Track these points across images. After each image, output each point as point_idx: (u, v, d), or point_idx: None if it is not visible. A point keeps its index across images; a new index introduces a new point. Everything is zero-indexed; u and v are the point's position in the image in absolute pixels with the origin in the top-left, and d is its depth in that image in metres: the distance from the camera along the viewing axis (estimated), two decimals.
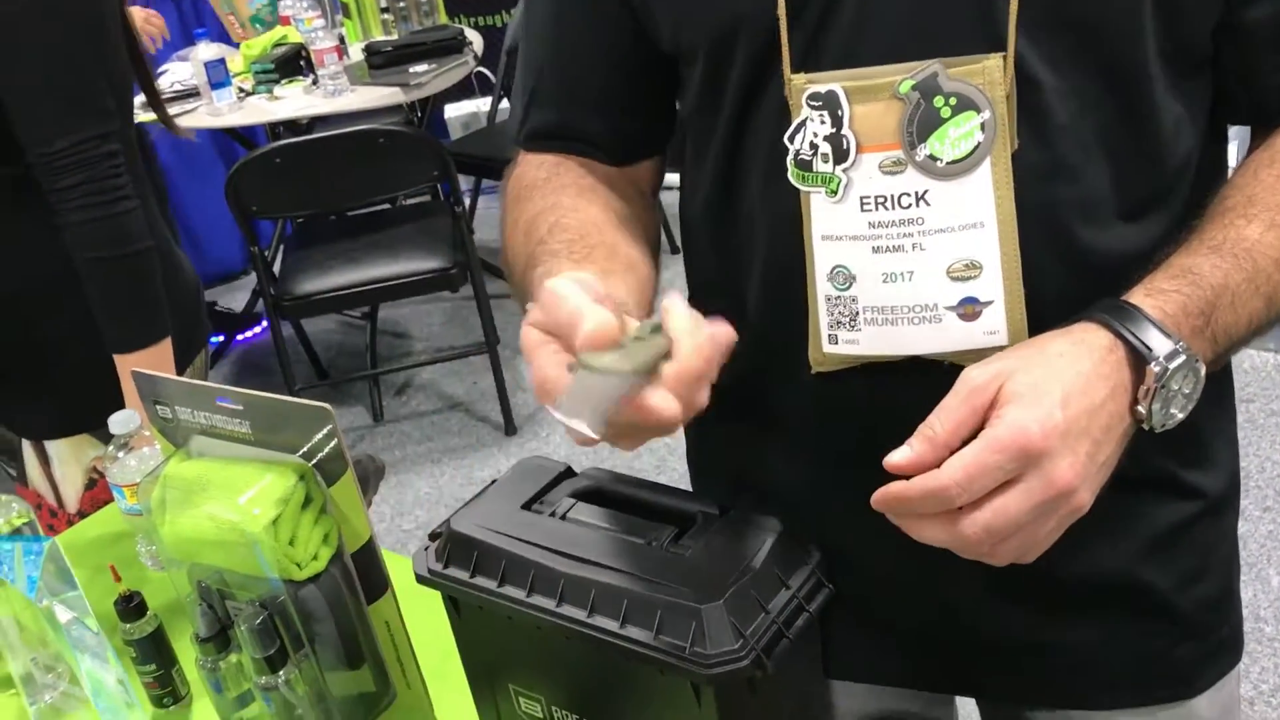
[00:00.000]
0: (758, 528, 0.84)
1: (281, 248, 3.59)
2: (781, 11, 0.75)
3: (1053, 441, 0.62)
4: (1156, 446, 0.84)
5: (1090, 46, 0.72)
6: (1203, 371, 0.69)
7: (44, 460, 1.53)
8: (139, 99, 1.59)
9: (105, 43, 1.38)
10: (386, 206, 3.68)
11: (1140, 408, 0.68)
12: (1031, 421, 0.62)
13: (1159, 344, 0.67)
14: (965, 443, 0.64)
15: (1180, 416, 0.70)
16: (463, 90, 4.36)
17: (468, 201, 3.76)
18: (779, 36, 0.75)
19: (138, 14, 3.17)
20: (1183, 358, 0.67)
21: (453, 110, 4.66)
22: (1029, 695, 0.94)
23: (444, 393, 3.44)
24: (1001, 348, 0.73)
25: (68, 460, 1.51)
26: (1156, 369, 0.66)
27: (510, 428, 3.17)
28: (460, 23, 4.07)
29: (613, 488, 0.93)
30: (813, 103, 0.74)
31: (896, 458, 0.65)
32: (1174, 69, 0.75)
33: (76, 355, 1.47)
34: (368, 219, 3.45)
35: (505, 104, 4.27)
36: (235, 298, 4.03)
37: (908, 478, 0.65)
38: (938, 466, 0.63)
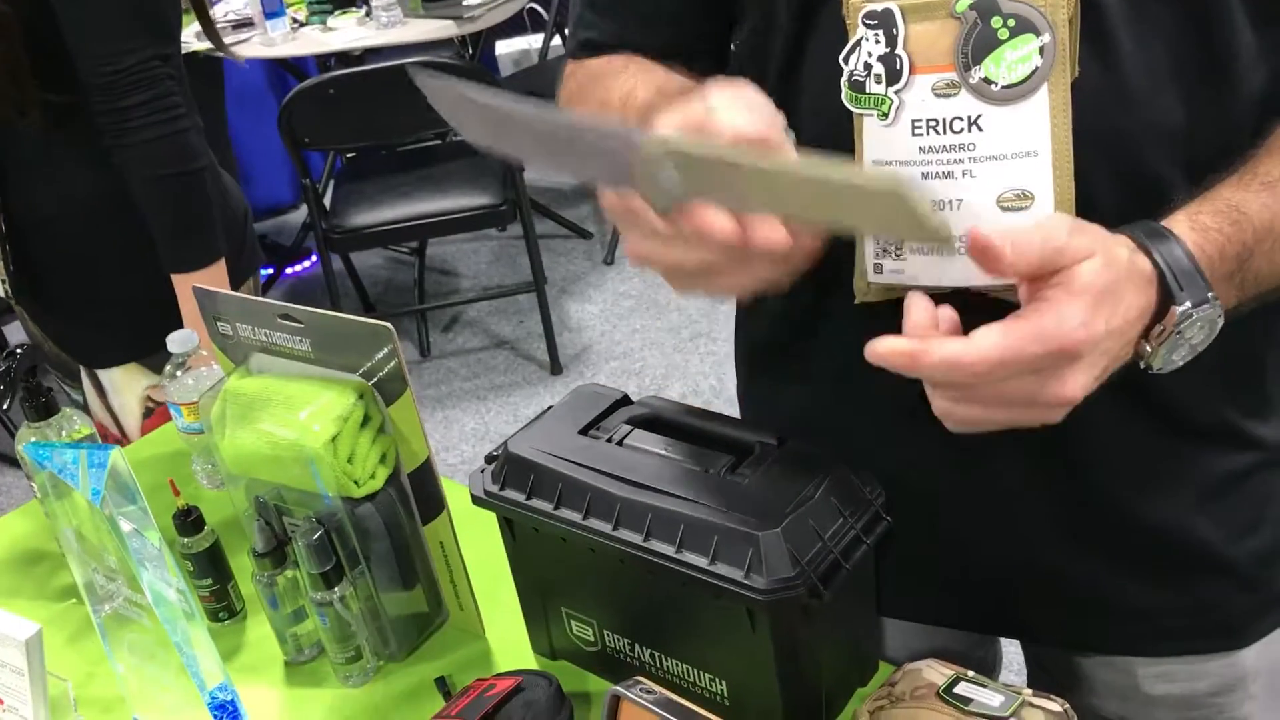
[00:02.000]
0: (816, 459, 0.83)
1: (332, 182, 3.60)
2: None
3: (1085, 350, 0.60)
4: (1218, 394, 0.82)
5: None
6: (1220, 324, 0.67)
7: (100, 391, 1.55)
8: (194, 28, 1.60)
9: None
10: (437, 142, 3.67)
11: (1147, 345, 0.66)
12: (1082, 326, 0.60)
13: (1191, 288, 0.65)
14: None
15: (1178, 364, 0.68)
16: (515, 26, 4.31)
17: None
18: None
19: None
20: (1207, 308, 0.65)
21: (504, 47, 4.62)
22: (1077, 640, 0.93)
23: (491, 330, 3.45)
24: None
25: (122, 389, 1.54)
26: (1180, 313, 0.65)
27: (556, 367, 3.18)
28: None
29: (670, 415, 0.92)
30: (868, 21, 0.72)
31: (964, 247, 0.62)
32: (1252, 4, 0.71)
33: (121, 281, 1.49)
34: (418, 154, 3.44)
35: (557, 41, 4.23)
36: (285, 230, 4.05)
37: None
38: (995, 263, 0.61)
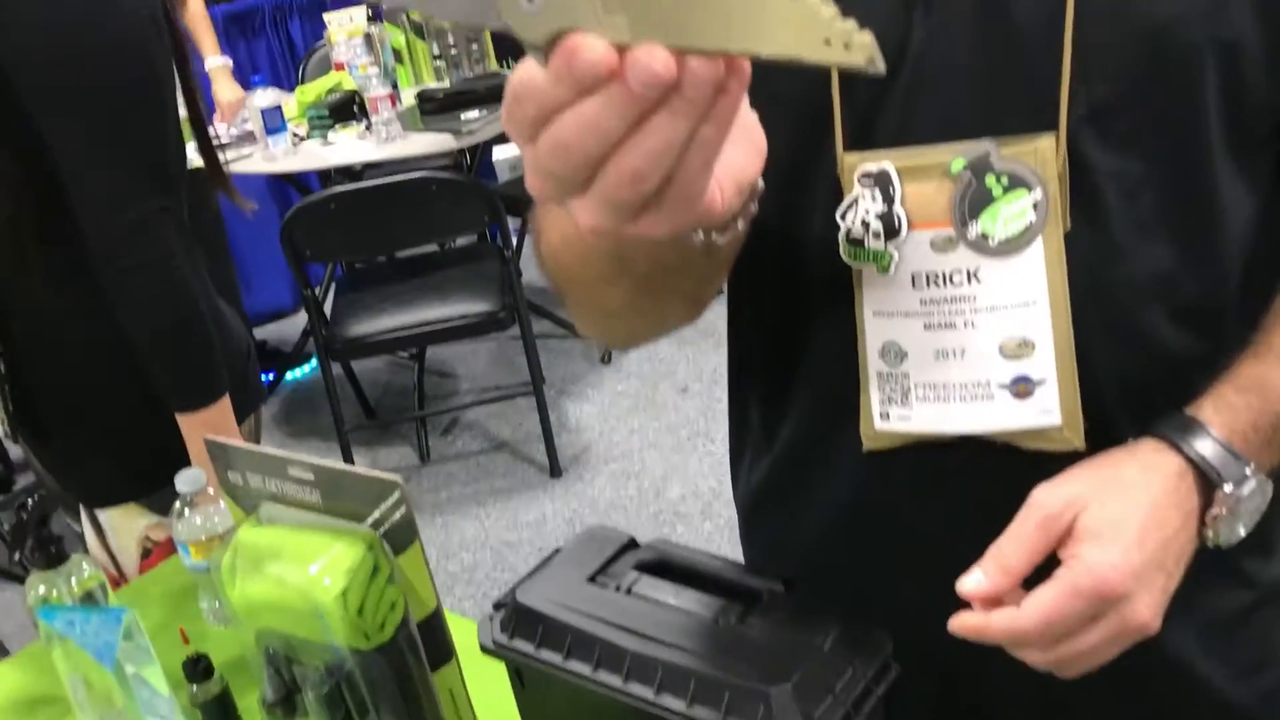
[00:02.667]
0: (823, 607, 0.84)
1: (333, 286, 3.64)
2: (835, 92, 0.75)
3: (1130, 583, 0.63)
4: None
5: (1147, 127, 0.71)
6: (1270, 488, 0.69)
7: (98, 530, 1.55)
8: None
9: (168, 116, 1.41)
10: (435, 249, 3.72)
11: (1208, 531, 0.68)
12: (1110, 567, 0.63)
13: (1229, 468, 0.67)
14: (1036, 569, 0.65)
15: (1244, 533, 0.70)
16: None
17: (514, 242, 3.80)
18: (832, 117, 0.76)
19: (229, 96, 3.26)
20: (1253, 482, 0.67)
21: (501, 152, 4.69)
22: None
23: (489, 433, 3.46)
24: (1056, 428, 0.73)
25: (120, 530, 1.54)
26: (1227, 495, 0.67)
27: (555, 470, 3.18)
28: (510, 69, 4.11)
29: (678, 560, 0.93)
30: (864, 181, 0.75)
31: (969, 585, 0.66)
32: (1235, 146, 0.73)
33: (122, 421, 1.50)
34: (417, 261, 3.49)
35: None
36: (285, 334, 4.08)
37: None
38: (1010, 592, 0.64)
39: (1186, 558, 0.68)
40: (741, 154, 0.53)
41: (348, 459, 3.11)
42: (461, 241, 3.85)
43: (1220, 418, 0.69)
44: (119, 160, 1.33)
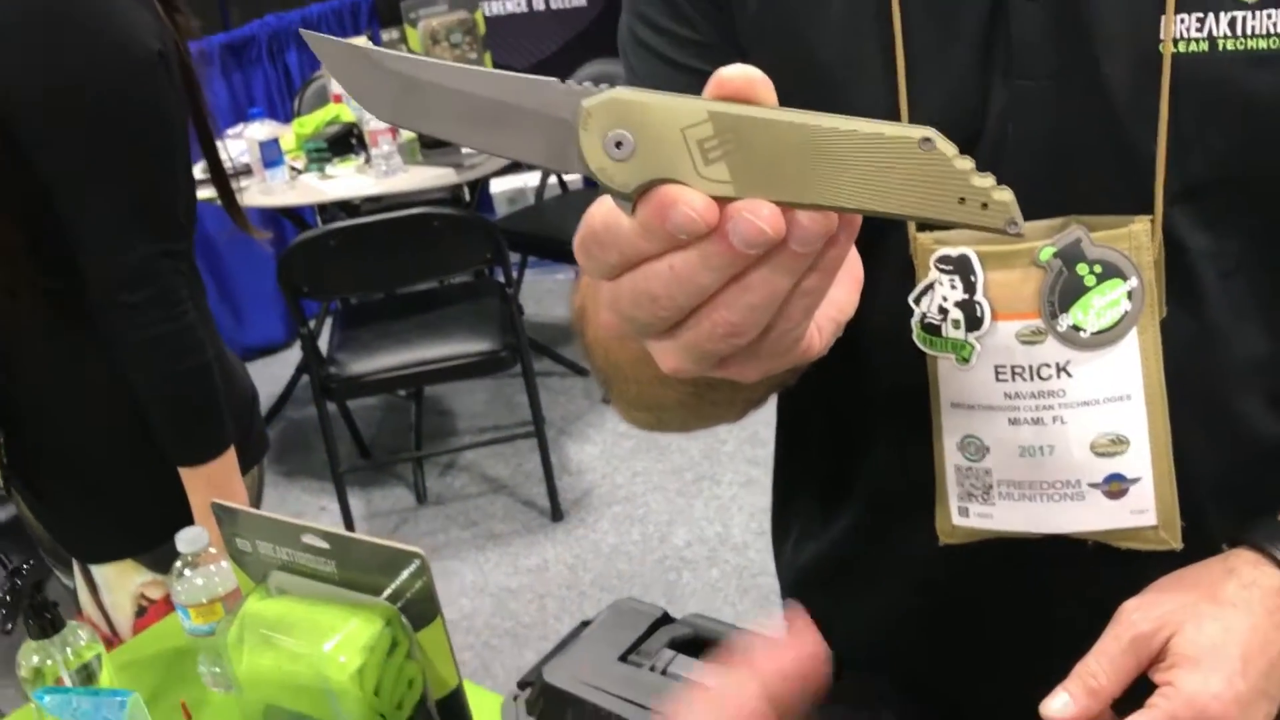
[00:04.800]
0: (877, 695, 0.79)
1: (329, 320, 3.59)
2: None
3: (1233, 715, 0.59)
4: None
5: (1246, 204, 0.67)
6: None
7: (91, 586, 1.49)
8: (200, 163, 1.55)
9: (177, 158, 1.37)
10: (435, 285, 3.66)
11: None
12: (1213, 697, 0.58)
13: None
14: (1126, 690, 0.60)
15: None
16: (510, 165, 4.37)
17: (515, 277, 3.75)
18: None
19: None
20: None
21: (499, 185, 4.67)
22: None
23: (489, 475, 3.40)
24: (1152, 528, 0.68)
25: (115, 587, 1.48)
26: None
27: (557, 513, 3.12)
28: None
29: (714, 636, 0.88)
30: (942, 266, 0.70)
31: (1055, 709, 0.61)
32: None
33: (120, 474, 1.44)
34: (416, 298, 3.44)
35: (554, 180, 4.27)
36: (277, 370, 4.02)
37: None
38: (1099, 716, 0.60)
39: None
40: (841, 289, 0.49)
41: (342, 500, 3.05)
42: (460, 277, 3.81)
43: None
44: (120, 204, 1.28)
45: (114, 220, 1.28)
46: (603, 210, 0.43)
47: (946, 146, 0.40)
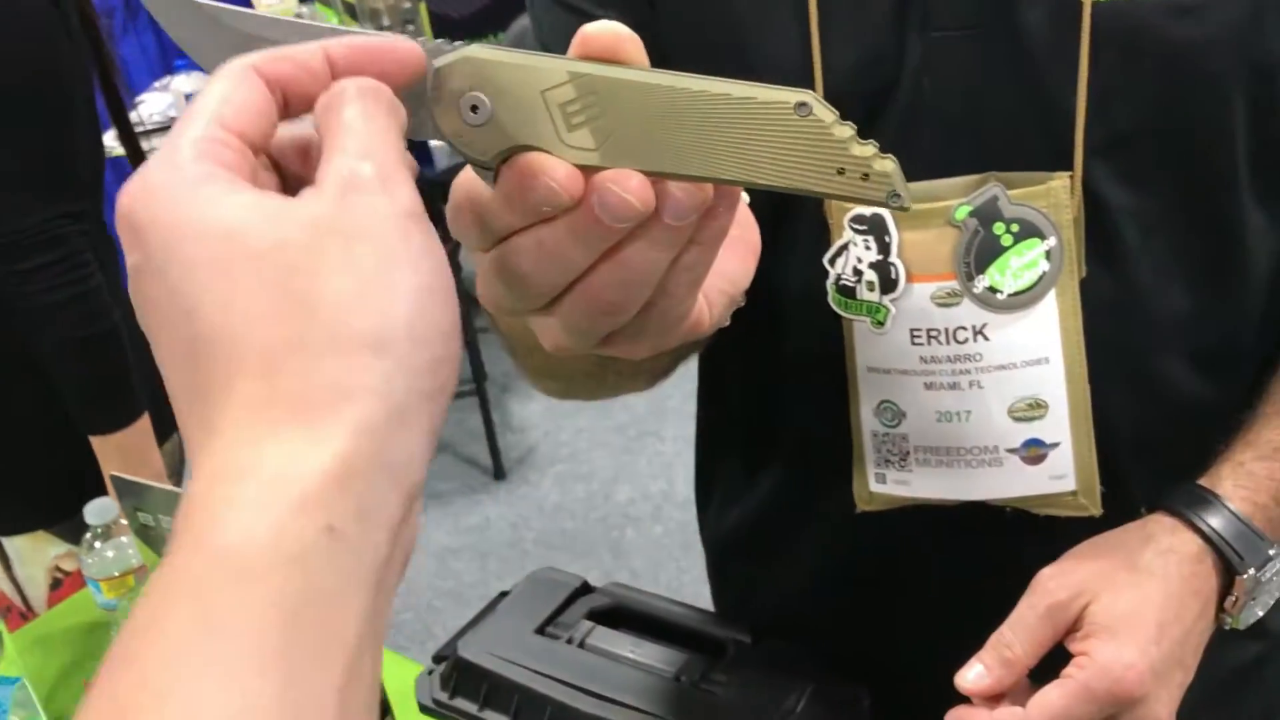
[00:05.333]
0: (795, 661, 0.77)
1: None
2: None
3: (1148, 684, 0.58)
4: None
5: (1171, 157, 0.65)
6: None
7: (4, 559, 1.45)
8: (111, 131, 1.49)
9: (77, 116, 1.31)
10: None
11: (1226, 616, 0.64)
12: (1126, 666, 0.58)
13: (1251, 550, 0.62)
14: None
15: (1261, 614, 0.65)
16: None
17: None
18: None
19: None
20: (1276, 564, 0.62)
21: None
22: None
23: None
24: (1071, 494, 0.67)
25: (28, 560, 1.44)
26: (1248, 580, 0.62)
27: (499, 472, 3.09)
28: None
29: (635, 607, 0.86)
30: (856, 226, 0.67)
31: (969, 679, 0.60)
32: (1260, 172, 0.67)
33: (29, 444, 1.40)
34: None
35: None
36: None
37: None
38: (1013, 686, 0.59)
39: (1203, 645, 0.63)
40: (734, 259, 0.46)
41: None
42: None
43: (1241, 491, 0.64)
44: (11, 165, 1.22)
45: (5, 183, 1.22)
46: (466, 179, 0.40)
47: (824, 112, 0.37)
